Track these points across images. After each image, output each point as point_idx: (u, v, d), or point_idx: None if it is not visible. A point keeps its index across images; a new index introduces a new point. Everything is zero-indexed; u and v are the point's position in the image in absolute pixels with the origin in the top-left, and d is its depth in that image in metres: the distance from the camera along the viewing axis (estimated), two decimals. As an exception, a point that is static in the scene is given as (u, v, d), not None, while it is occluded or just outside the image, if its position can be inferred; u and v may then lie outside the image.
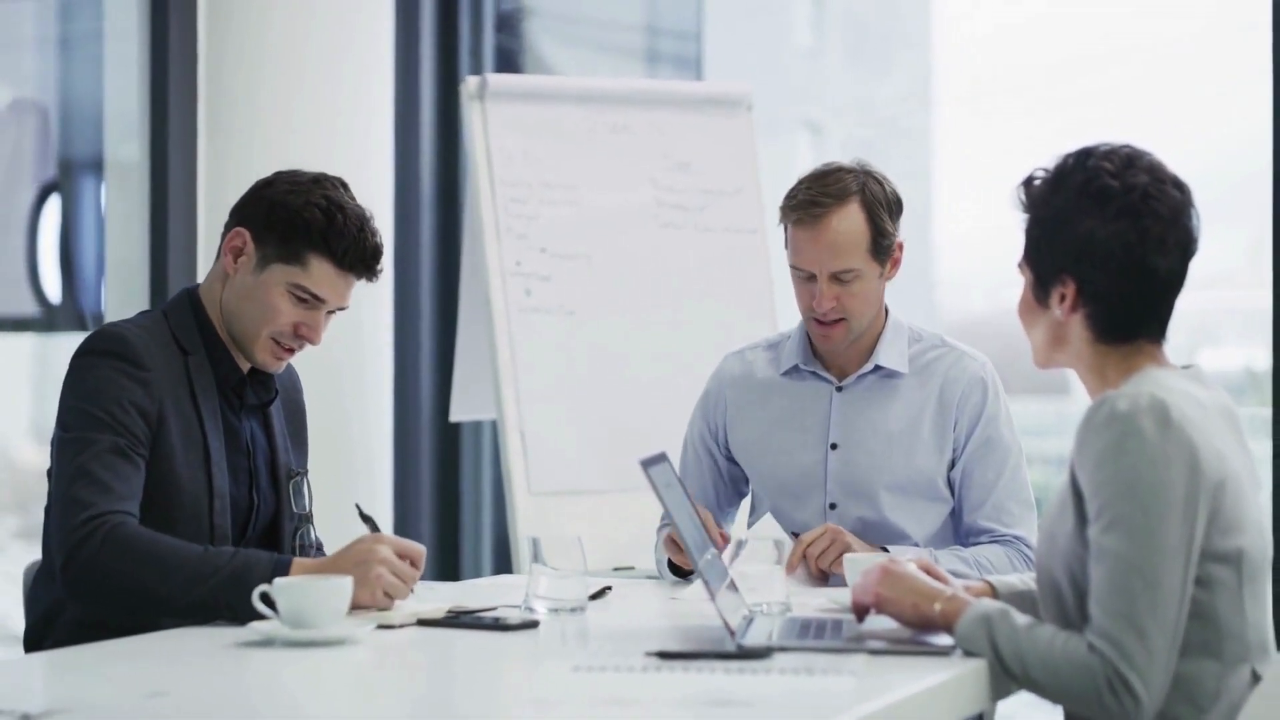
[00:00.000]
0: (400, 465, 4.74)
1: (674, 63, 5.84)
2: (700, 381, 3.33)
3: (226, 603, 2.44)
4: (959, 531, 3.13)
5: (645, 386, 4.04)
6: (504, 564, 4.95)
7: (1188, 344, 5.03)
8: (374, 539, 2.53)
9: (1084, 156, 2.31)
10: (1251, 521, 2.23)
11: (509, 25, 5.31)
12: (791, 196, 3.08)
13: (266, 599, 2.34)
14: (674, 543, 2.99)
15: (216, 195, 4.24)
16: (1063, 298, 2.30)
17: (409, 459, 4.76)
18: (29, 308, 4.80)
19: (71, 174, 4.64)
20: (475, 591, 2.92)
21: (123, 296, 4.40)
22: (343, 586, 2.35)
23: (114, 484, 2.53)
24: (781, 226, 3.12)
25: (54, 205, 4.63)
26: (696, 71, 5.67)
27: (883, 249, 3.07)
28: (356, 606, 2.44)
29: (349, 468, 4.46)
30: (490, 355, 3.93)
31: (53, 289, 4.63)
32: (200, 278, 4.23)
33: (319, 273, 2.69)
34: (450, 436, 4.89)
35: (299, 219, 2.68)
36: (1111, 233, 2.25)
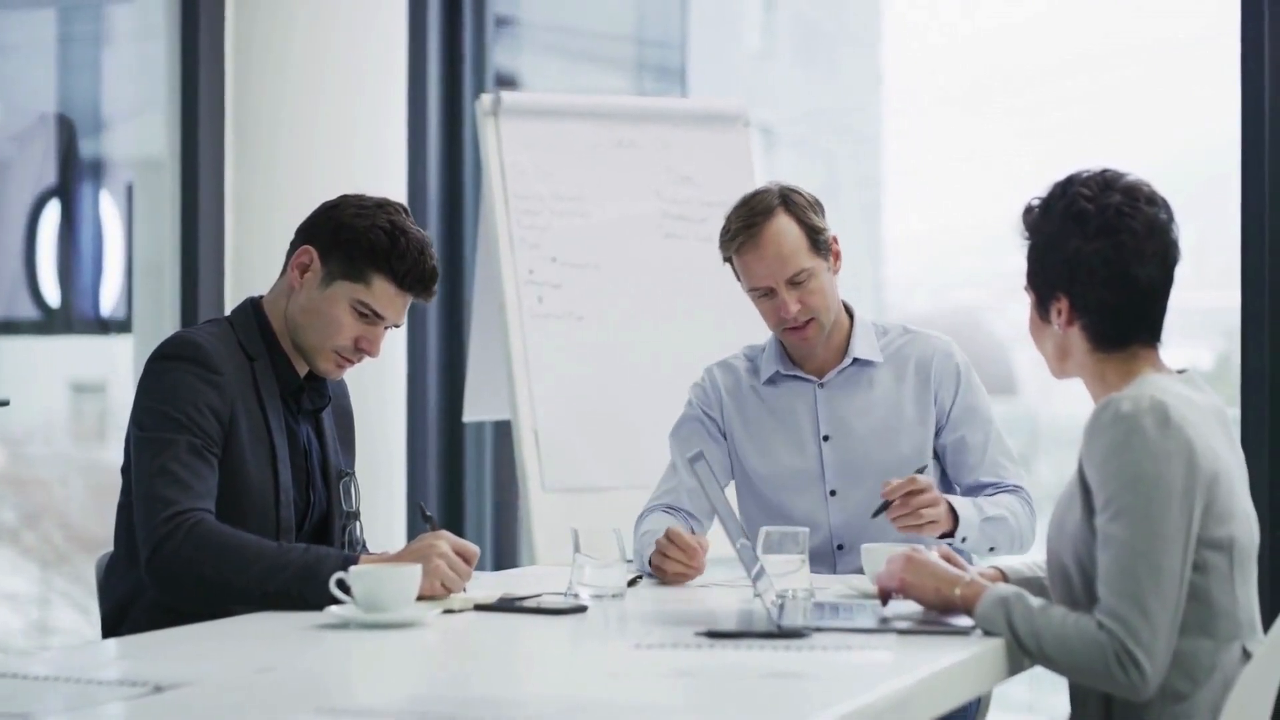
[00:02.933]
0: (411, 464, 4.92)
1: (657, 73, 6.01)
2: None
3: (299, 593, 2.64)
4: (959, 492, 3.36)
5: (650, 388, 4.22)
6: (504, 556, 5.13)
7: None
8: (435, 535, 2.74)
9: (1067, 184, 2.53)
10: (1241, 512, 2.45)
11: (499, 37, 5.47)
12: (726, 231, 3.32)
13: (342, 585, 2.54)
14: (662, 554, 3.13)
15: (243, 207, 4.41)
16: (1059, 313, 2.52)
17: (418, 458, 4.94)
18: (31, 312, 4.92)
19: (94, 180, 4.78)
20: (513, 581, 3.12)
21: (150, 298, 4.55)
22: (413, 574, 2.55)
23: (193, 482, 2.72)
24: (727, 262, 3.34)
25: (80, 211, 4.75)
26: (681, 81, 5.86)
27: (821, 244, 3.30)
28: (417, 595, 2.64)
29: (370, 467, 4.63)
30: (505, 359, 4.11)
31: (73, 293, 4.77)
32: (228, 281, 4.42)
33: (380, 291, 2.87)
34: (455, 436, 5.07)
35: (364, 240, 2.85)
36: (1093, 250, 2.47)
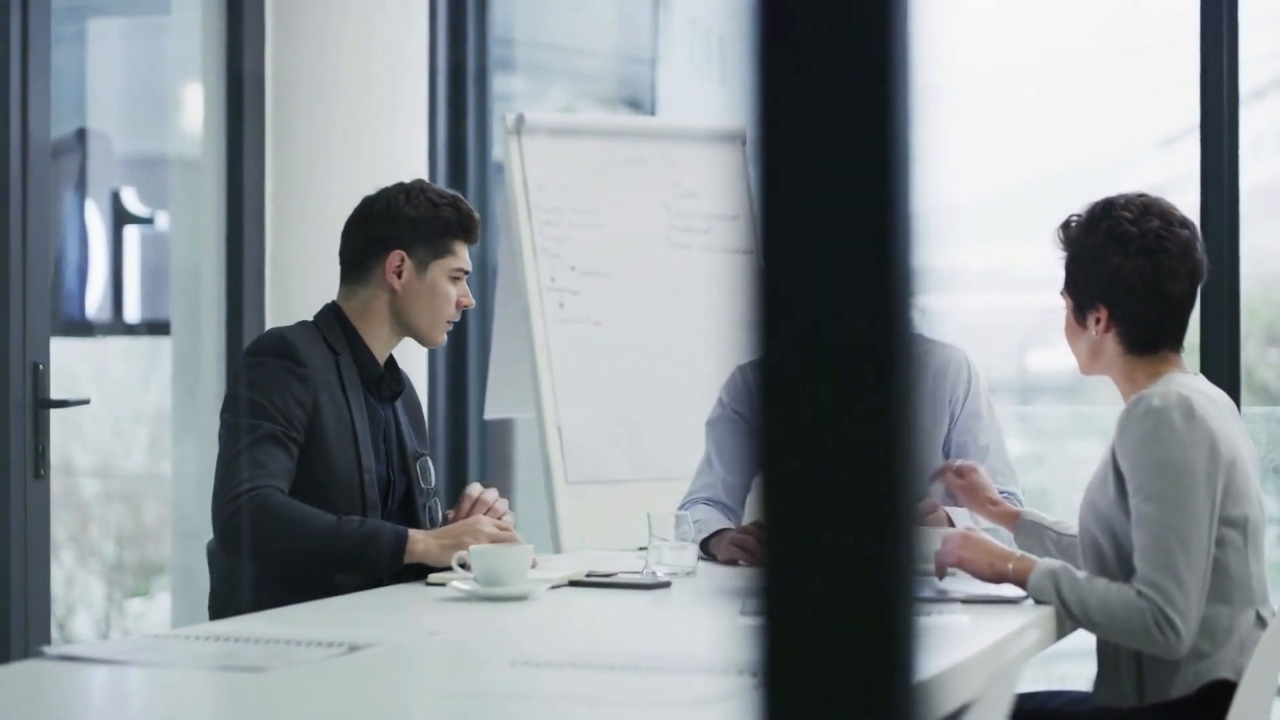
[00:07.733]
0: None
1: (629, 87, 6.27)
2: (707, 381, 3.80)
3: (358, 560, 2.94)
4: None
5: (661, 388, 4.51)
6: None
7: (1017, 347, 5.44)
8: (475, 519, 3.06)
9: (1109, 207, 2.86)
10: (1254, 494, 2.79)
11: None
12: None
13: (463, 563, 2.83)
14: (740, 547, 3.39)
15: (283, 213, 4.65)
16: (1097, 320, 2.85)
17: (436, 453, 5.19)
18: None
19: (133, 190, 4.95)
20: (579, 564, 3.40)
21: (189, 302, 4.76)
22: (525, 552, 2.85)
23: (268, 463, 3.00)
24: None
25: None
26: (651, 97, 6.14)
27: None
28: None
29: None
30: (530, 360, 4.38)
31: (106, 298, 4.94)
32: (269, 283, 4.65)
33: (462, 253, 3.27)
34: (460, 433, 5.34)
35: (438, 222, 3.22)
36: (1133, 268, 2.81)
